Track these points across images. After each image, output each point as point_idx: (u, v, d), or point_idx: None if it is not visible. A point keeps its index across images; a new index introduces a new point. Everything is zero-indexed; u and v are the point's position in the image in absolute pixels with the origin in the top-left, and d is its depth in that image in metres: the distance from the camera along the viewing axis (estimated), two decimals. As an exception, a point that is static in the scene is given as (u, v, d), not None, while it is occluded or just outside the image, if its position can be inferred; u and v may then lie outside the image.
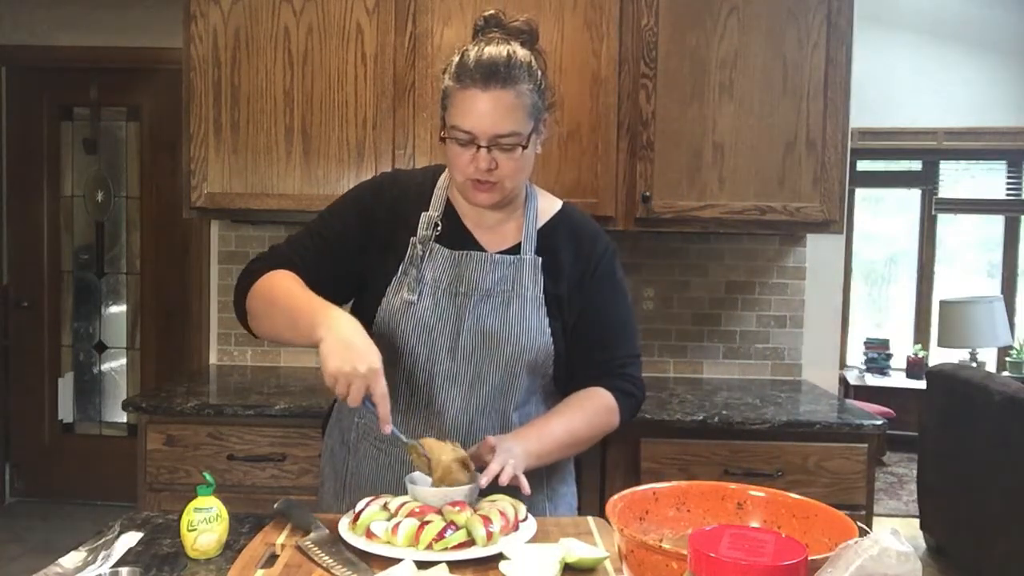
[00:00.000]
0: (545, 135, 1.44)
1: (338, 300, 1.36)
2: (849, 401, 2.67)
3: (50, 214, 4.38)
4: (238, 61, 2.46)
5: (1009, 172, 5.92)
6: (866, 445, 2.20)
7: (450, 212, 1.47)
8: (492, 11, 1.42)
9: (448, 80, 1.37)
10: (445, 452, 1.25)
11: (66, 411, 4.43)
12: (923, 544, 4.06)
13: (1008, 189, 5.95)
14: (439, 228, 1.44)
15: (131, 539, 1.20)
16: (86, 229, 4.41)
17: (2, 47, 4.21)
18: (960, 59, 5.40)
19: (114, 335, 4.44)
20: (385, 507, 1.19)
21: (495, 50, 1.34)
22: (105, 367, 4.46)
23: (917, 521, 4.10)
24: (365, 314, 1.44)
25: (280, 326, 1.38)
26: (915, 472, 4.17)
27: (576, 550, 1.10)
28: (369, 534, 1.14)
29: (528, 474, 1.41)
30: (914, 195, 6.18)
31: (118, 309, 4.44)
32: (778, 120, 2.44)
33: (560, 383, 1.51)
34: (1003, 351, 5.84)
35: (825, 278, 2.87)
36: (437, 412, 1.43)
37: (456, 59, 1.37)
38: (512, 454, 1.29)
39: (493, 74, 1.32)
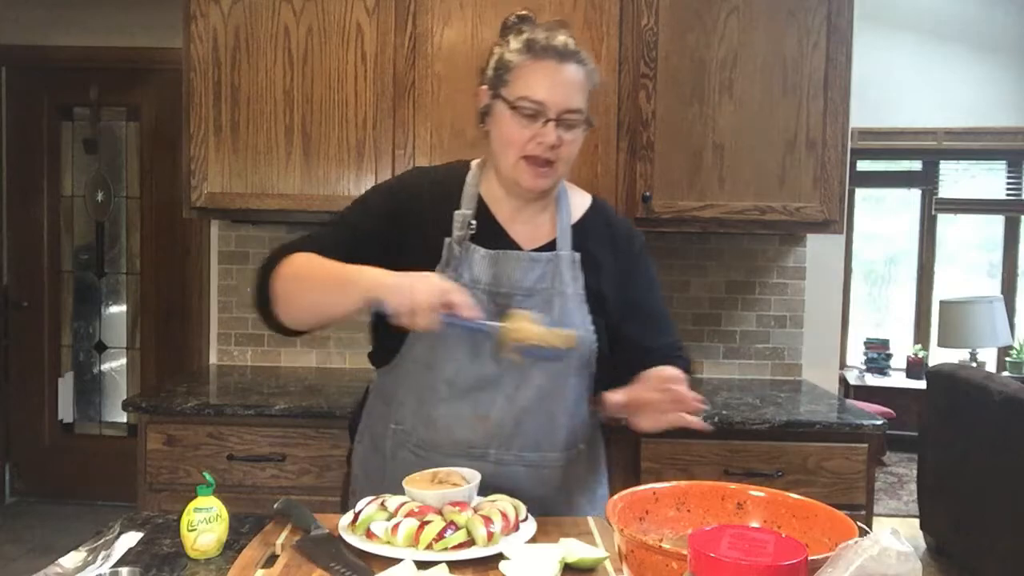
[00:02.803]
0: (590, 128, 1.42)
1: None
2: (849, 401, 2.67)
3: (50, 214, 4.38)
4: (238, 61, 2.46)
5: (1009, 172, 5.91)
6: (866, 445, 2.20)
7: (482, 209, 1.44)
8: (524, 11, 1.43)
9: (511, 55, 1.36)
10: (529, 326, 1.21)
11: (66, 411, 4.43)
12: (923, 544, 4.05)
13: (1008, 189, 5.95)
14: (473, 226, 1.41)
15: (131, 539, 1.20)
16: (86, 229, 4.41)
17: (2, 47, 4.21)
18: (960, 59, 5.40)
19: (114, 335, 4.44)
20: (384, 507, 1.18)
21: (560, 34, 1.36)
22: (105, 367, 4.46)
23: (917, 521, 4.10)
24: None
25: (317, 299, 1.34)
26: (915, 472, 4.17)
27: (576, 550, 1.11)
28: (369, 534, 1.14)
29: (570, 477, 1.40)
30: (914, 195, 6.18)
31: (118, 309, 4.44)
32: (778, 120, 2.44)
33: (599, 381, 1.45)
34: (1003, 351, 5.84)
35: (825, 278, 2.87)
36: (482, 416, 1.38)
37: (521, 37, 1.37)
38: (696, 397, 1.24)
39: (566, 50, 1.34)
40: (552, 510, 1.36)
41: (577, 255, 1.43)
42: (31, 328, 4.39)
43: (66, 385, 4.43)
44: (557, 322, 1.36)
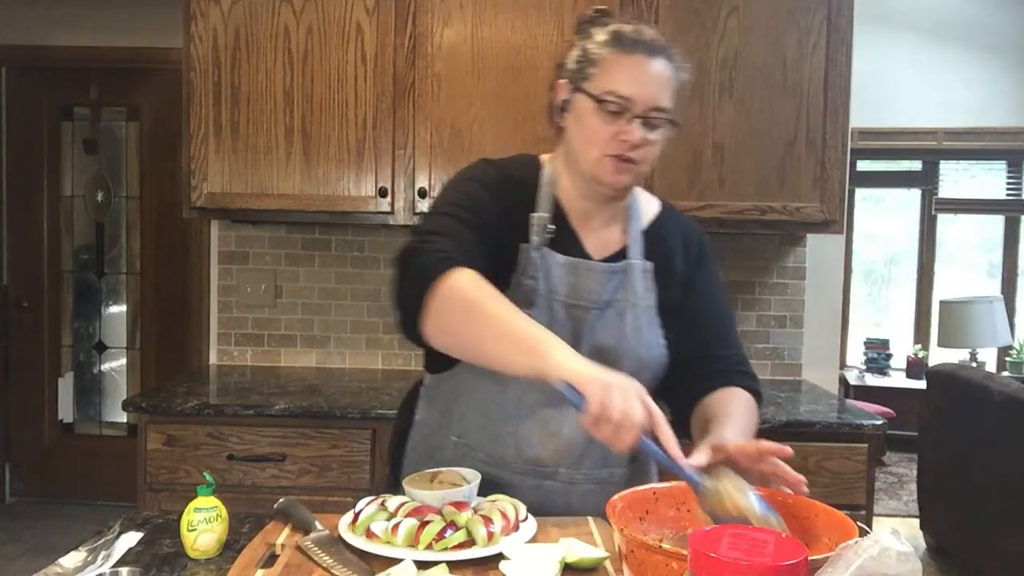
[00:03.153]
0: (671, 133, 1.32)
1: None
2: (849, 401, 2.67)
3: (50, 214, 4.38)
4: (238, 61, 2.46)
5: (1009, 172, 5.92)
6: (866, 445, 2.19)
7: (556, 211, 1.35)
8: (602, 6, 1.37)
9: (596, 47, 1.28)
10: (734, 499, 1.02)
11: (66, 411, 4.43)
12: (923, 544, 4.06)
13: (1008, 189, 5.95)
14: (552, 231, 1.32)
15: (131, 539, 1.20)
16: (86, 229, 4.41)
17: (2, 47, 4.21)
18: (960, 59, 5.40)
19: (114, 335, 4.44)
20: (384, 507, 1.18)
21: (650, 29, 1.30)
22: (105, 367, 4.46)
23: (917, 521, 4.10)
24: None
25: (484, 347, 1.14)
26: (915, 472, 4.17)
27: (576, 550, 1.10)
28: (369, 534, 1.14)
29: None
30: (914, 195, 6.18)
31: (118, 309, 4.44)
32: (778, 120, 2.44)
33: (671, 392, 1.38)
34: (1003, 351, 5.84)
35: (825, 278, 2.86)
36: (552, 433, 1.32)
37: (605, 30, 1.29)
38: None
39: (656, 45, 1.27)
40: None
41: (649, 264, 1.36)
42: (31, 328, 4.39)
43: (66, 385, 4.43)
44: (630, 336, 1.30)
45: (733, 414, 1.26)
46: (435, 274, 1.16)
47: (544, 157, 1.41)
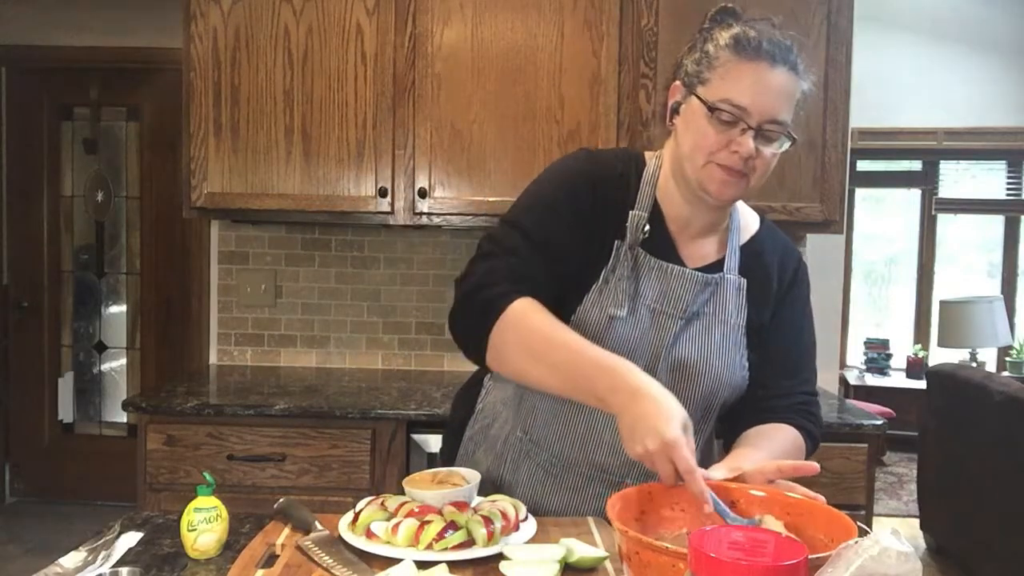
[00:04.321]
0: (791, 145, 1.24)
1: (553, 297, 1.21)
2: (849, 401, 2.67)
3: (50, 214, 4.38)
4: (238, 61, 2.46)
5: (1009, 172, 5.92)
6: (866, 445, 2.19)
7: (655, 213, 1.28)
8: (729, 3, 1.27)
9: (716, 50, 1.20)
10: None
11: (66, 411, 4.43)
12: (923, 544, 4.06)
13: (1008, 189, 5.95)
14: (647, 231, 1.26)
15: (131, 539, 1.20)
16: (86, 229, 4.41)
17: (2, 47, 4.21)
18: (960, 59, 5.41)
19: (114, 335, 4.44)
20: (384, 507, 1.18)
21: (779, 33, 1.20)
22: (105, 367, 4.46)
23: (917, 521, 4.10)
24: None
25: (538, 374, 1.16)
26: (915, 472, 4.17)
27: (576, 550, 1.10)
28: (369, 534, 1.14)
29: None
30: (914, 195, 6.18)
31: (118, 309, 4.44)
32: (778, 120, 2.43)
33: (731, 415, 1.33)
34: (1003, 351, 5.84)
35: (825, 278, 2.86)
36: (619, 447, 1.18)
37: (729, 31, 1.20)
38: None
39: (782, 53, 1.18)
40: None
41: (744, 281, 1.29)
42: (31, 328, 4.39)
43: (66, 385, 4.43)
44: (715, 352, 1.25)
45: (765, 446, 1.21)
46: (497, 310, 1.18)
47: (648, 155, 1.35)
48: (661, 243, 1.28)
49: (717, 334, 1.27)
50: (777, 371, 1.31)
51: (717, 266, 1.30)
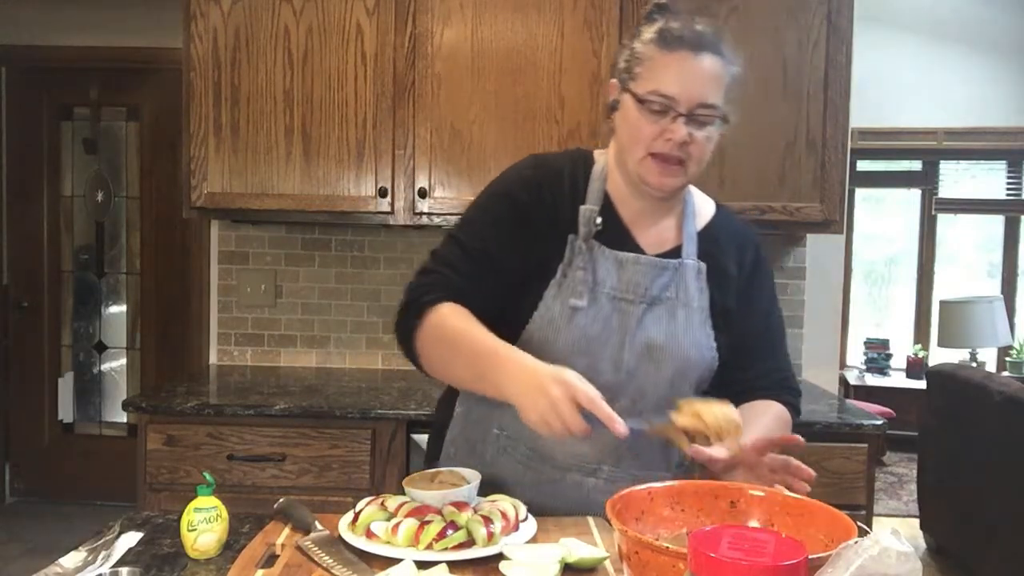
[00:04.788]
0: (727, 127, 1.31)
1: (496, 310, 1.28)
2: (849, 401, 2.67)
3: (50, 214, 4.38)
4: (238, 61, 2.46)
5: (1009, 172, 5.92)
6: (866, 445, 2.19)
7: (607, 207, 1.34)
8: (663, 0, 1.33)
9: (642, 46, 1.27)
10: (710, 414, 1.13)
11: (66, 411, 4.43)
12: (923, 544, 4.06)
13: (1008, 189, 5.96)
14: (600, 224, 1.31)
15: (131, 539, 1.20)
16: (86, 229, 4.41)
17: (2, 47, 4.21)
18: (960, 59, 5.41)
19: (114, 335, 4.44)
20: (384, 507, 1.18)
21: (700, 23, 1.27)
22: (105, 367, 4.46)
23: (917, 521, 4.10)
24: (511, 323, 1.30)
25: (458, 374, 1.28)
26: (915, 472, 4.17)
27: (576, 550, 1.10)
28: (369, 534, 1.14)
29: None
30: (914, 195, 6.18)
31: (118, 309, 4.44)
32: (778, 120, 2.43)
33: (726, 393, 1.35)
34: (1003, 351, 5.84)
35: (825, 278, 2.86)
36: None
37: (652, 27, 1.27)
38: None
39: (703, 40, 1.24)
40: None
41: (703, 265, 1.34)
42: (31, 328, 4.39)
43: (66, 385, 4.43)
44: (681, 334, 1.30)
45: (759, 421, 1.29)
46: (417, 311, 1.28)
47: (598, 153, 1.40)
48: (616, 233, 1.33)
49: (681, 317, 1.32)
50: (757, 354, 1.39)
51: (676, 252, 1.35)
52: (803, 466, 1.12)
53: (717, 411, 1.14)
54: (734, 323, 1.36)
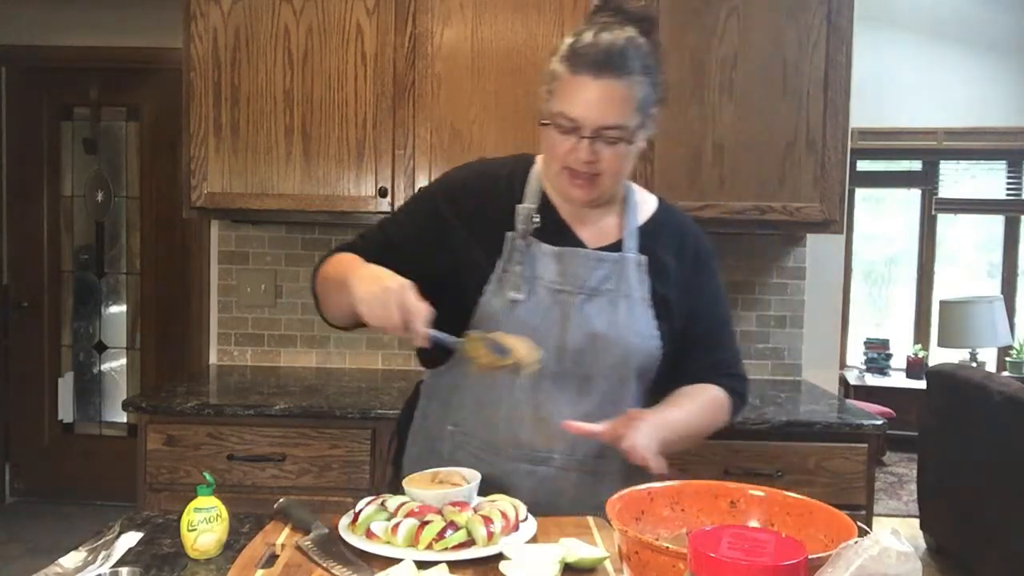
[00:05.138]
0: (652, 131, 1.37)
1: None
2: (849, 401, 2.67)
3: (50, 214, 4.38)
4: (238, 61, 2.46)
5: (1009, 172, 5.92)
6: (866, 445, 2.19)
7: (546, 205, 1.39)
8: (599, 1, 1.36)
9: (557, 64, 1.31)
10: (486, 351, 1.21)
11: (66, 411, 4.43)
12: (923, 544, 4.06)
13: (1008, 189, 5.95)
14: (537, 221, 1.37)
15: (131, 539, 1.20)
16: (86, 229, 4.41)
17: (2, 47, 4.21)
18: (960, 59, 5.40)
19: (114, 335, 4.44)
20: (384, 507, 1.18)
21: (611, 36, 1.28)
22: (105, 367, 4.46)
23: (917, 521, 4.10)
24: (456, 318, 1.34)
25: (337, 301, 1.34)
26: (915, 472, 4.17)
27: (576, 550, 1.10)
28: (369, 534, 1.14)
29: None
30: (914, 195, 6.18)
31: (118, 309, 4.44)
32: (778, 120, 2.43)
33: (663, 386, 1.43)
34: (1003, 351, 5.84)
35: (825, 278, 2.86)
36: (543, 419, 1.35)
37: (568, 42, 1.31)
38: (652, 436, 1.24)
39: (607, 62, 1.26)
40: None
41: (644, 258, 1.39)
42: (31, 328, 4.39)
43: (66, 385, 4.43)
44: (622, 324, 1.35)
45: (679, 401, 1.37)
46: (320, 264, 1.42)
47: (539, 156, 1.44)
48: (556, 230, 1.38)
49: (622, 307, 1.36)
50: (703, 344, 1.44)
51: (617, 246, 1.40)
52: (639, 451, 1.20)
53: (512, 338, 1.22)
54: (675, 313, 1.41)
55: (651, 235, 1.42)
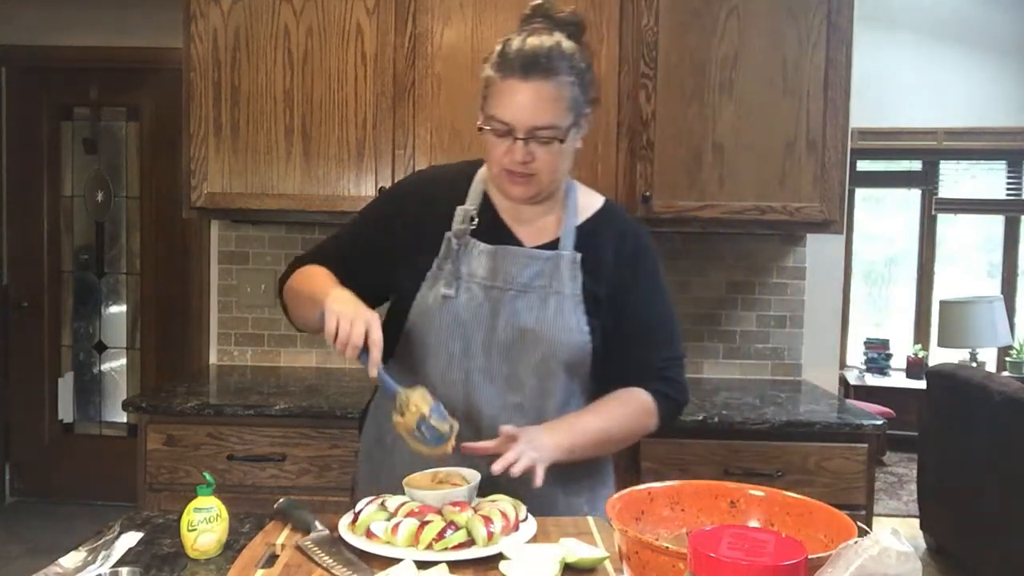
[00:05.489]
0: (586, 130, 1.42)
1: (370, 305, 1.40)
2: (849, 401, 2.67)
3: (50, 214, 4.38)
4: (238, 61, 2.46)
5: (1009, 172, 5.92)
6: (866, 445, 2.20)
7: (487, 206, 1.45)
8: (539, 0, 1.42)
9: (489, 70, 1.36)
10: (418, 403, 1.27)
11: (66, 411, 4.43)
12: (923, 544, 4.06)
13: (1008, 189, 5.95)
14: (475, 222, 1.42)
15: (131, 539, 1.20)
16: (86, 229, 4.41)
17: (2, 47, 4.21)
18: (960, 59, 5.40)
19: (114, 335, 4.44)
20: (384, 507, 1.18)
21: (538, 40, 1.34)
22: (105, 367, 4.46)
23: (917, 521, 4.10)
24: (399, 315, 1.43)
25: (306, 313, 1.40)
26: (915, 472, 4.17)
27: (576, 550, 1.11)
28: (369, 534, 1.14)
29: (569, 477, 1.39)
30: (914, 195, 6.18)
31: (118, 309, 4.44)
32: (778, 120, 2.43)
33: (601, 383, 1.47)
34: (1003, 351, 5.84)
35: (825, 278, 2.86)
36: (475, 411, 1.40)
37: (498, 48, 1.36)
38: (535, 445, 1.27)
39: (534, 65, 1.31)
40: (548, 509, 1.34)
41: (578, 255, 1.42)
42: (31, 328, 4.39)
43: (66, 385, 4.43)
44: (550, 320, 1.39)
45: (595, 407, 1.41)
46: (287, 274, 1.49)
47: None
48: (494, 229, 1.43)
49: (552, 303, 1.40)
50: (634, 344, 1.45)
51: (555, 244, 1.43)
52: (509, 461, 1.24)
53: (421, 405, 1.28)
54: (607, 310, 1.43)
55: (590, 233, 1.45)
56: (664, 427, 1.47)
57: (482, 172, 1.47)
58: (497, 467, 1.23)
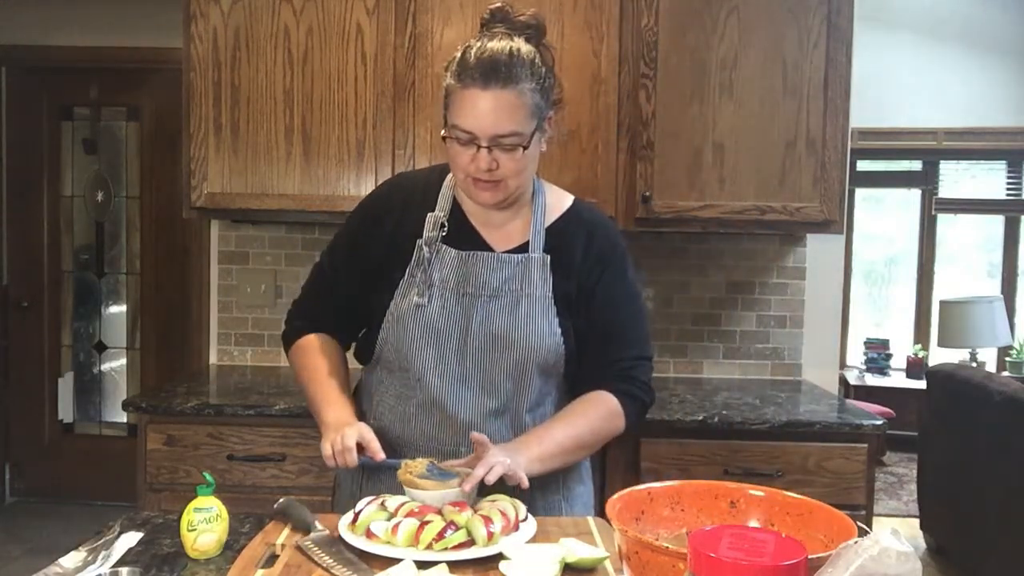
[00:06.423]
0: (550, 133, 1.42)
1: (363, 324, 1.49)
2: (849, 401, 2.67)
3: (50, 214, 4.38)
4: (238, 61, 2.45)
5: (1009, 172, 5.92)
6: (866, 445, 2.19)
7: (456, 212, 1.46)
8: (499, 4, 1.40)
9: (450, 78, 1.35)
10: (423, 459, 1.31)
11: (66, 411, 4.43)
12: (923, 544, 4.06)
13: (1008, 189, 5.95)
14: (445, 228, 1.43)
15: (131, 539, 1.20)
16: (86, 229, 4.41)
17: (2, 47, 4.21)
18: (960, 59, 5.40)
19: (114, 335, 4.44)
20: (384, 507, 1.18)
21: (497, 46, 1.32)
22: (105, 367, 4.46)
23: (917, 521, 4.10)
24: (374, 321, 1.45)
25: (307, 402, 1.51)
26: (915, 472, 4.17)
27: (576, 550, 1.11)
28: (369, 534, 1.14)
29: (547, 476, 1.39)
30: (914, 195, 6.18)
31: (118, 309, 4.44)
32: (778, 120, 2.44)
33: (571, 382, 1.48)
34: (1003, 351, 5.84)
35: (825, 278, 2.86)
36: (450, 416, 1.41)
37: (457, 56, 1.35)
38: (504, 459, 1.26)
39: (494, 72, 1.30)
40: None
41: (547, 256, 1.43)
42: (31, 328, 4.39)
43: (66, 385, 4.43)
44: (522, 323, 1.40)
45: (562, 415, 1.42)
46: (289, 339, 1.56)
47: None
48: (465, 235, 1.44)
49: (524, 306, 1.40)
50: (601, 342, 1.45)
51: (525, 247, 1.44)
52: (484, 469, 1.24)
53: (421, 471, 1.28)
54: (575, 309, 1.44)
55: (559, 233, 1.45)
56: (631, 428, 1.47)
57: (451, 178, 1.47)
58: (467, 486, 1.22)
